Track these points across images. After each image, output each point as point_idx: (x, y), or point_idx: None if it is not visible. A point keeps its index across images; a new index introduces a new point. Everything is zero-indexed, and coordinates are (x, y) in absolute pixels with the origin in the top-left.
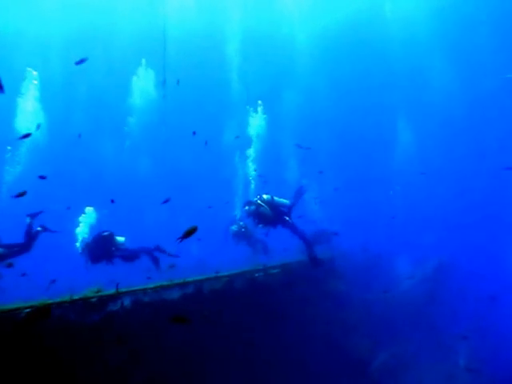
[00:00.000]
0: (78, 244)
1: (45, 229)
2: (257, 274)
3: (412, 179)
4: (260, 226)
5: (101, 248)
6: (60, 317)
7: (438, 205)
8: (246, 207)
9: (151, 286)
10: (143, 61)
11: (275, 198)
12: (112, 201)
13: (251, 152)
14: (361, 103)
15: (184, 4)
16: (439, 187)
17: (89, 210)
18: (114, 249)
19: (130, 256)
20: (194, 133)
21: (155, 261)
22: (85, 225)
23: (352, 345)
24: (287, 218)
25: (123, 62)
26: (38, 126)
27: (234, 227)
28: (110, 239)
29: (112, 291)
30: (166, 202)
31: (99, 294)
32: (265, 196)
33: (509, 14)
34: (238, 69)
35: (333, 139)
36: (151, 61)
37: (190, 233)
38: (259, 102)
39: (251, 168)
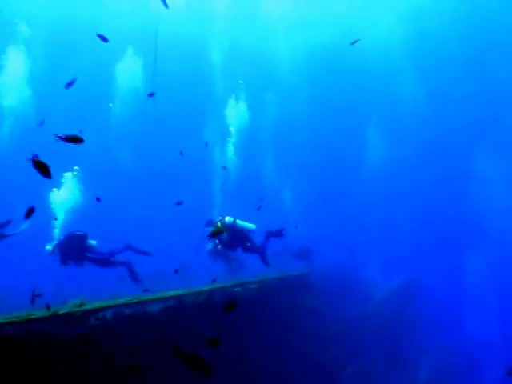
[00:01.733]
0: (48, 246)
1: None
2: (236, 289)
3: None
4: (219, 247)
5: (72, 248)
6: (41, 331)
7: (408, 218)
8: (207, 228)
9: (134, 300)
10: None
11: (238, 222)
12: (98, 199)
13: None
14: (336, 114)
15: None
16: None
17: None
18: (85, 251)
19: (100, 260)
20: (181, 152)
21: (133, 274)
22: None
23: (323, 357)
24: (248, 244)
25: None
26: (42, 122)
27: (210, 245)
28: (82, 239)
29: (95, 304)
30: (179, 203)
31: (83, 308)
32: (227, 218)
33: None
34: (221, 75)
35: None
36: (138, 48)
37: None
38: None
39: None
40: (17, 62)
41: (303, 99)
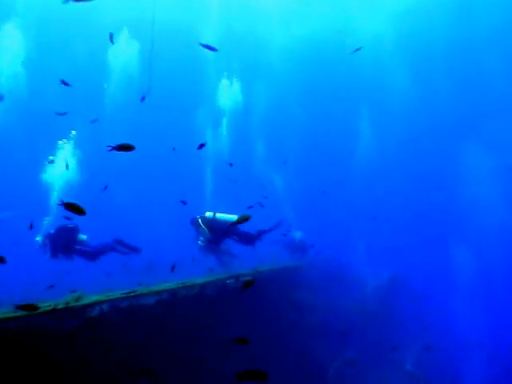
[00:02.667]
0: (38, 238)
1: None
2: (228, 281)
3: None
4: (199, 242)
5: (62, 240)
6: (40, 325)
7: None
8: (193, 226)
9: (131, 293)
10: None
11: (217, 216)
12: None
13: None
14: (326, 105)
15: None
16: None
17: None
18: (75, 244)
19: (89, 254)
20: (174, 148)
21: (128, 249)
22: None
23: (312, 349)
24: (234, 237)
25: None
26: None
27: (200, 240)
28: (73, 232)
29: (92, 298)
30: (183, 202)
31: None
32: (207, 214)
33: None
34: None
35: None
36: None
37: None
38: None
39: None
40: (11, 42)
41: (294, 89)
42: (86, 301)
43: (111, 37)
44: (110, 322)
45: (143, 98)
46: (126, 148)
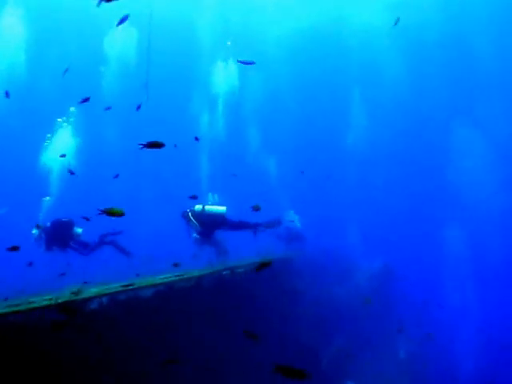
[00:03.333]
0: (34, 231)
1: None
2: (224, 273)
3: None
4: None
5: (58, 234)
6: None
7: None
8: (184, 219)
9: (129, 286)
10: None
11: (206, 209)
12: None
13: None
14: (320, 92)
15: None
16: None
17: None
18: (69, 239)
19: (84, 248)
20: (175, 145)
21: (121, 250)
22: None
23: (304, 338)
24: (224, 228)
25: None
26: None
27: (195, 233)
28: (68, 226)
29: (92, 291)
30: (192, 197)
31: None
32: (196, 207)
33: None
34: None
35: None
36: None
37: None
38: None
39: None
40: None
41: (289, 77)
42: (85, 294)
43: (123, 20)
44: (109, 314)
45: (139, 107)
46: (156, 145)
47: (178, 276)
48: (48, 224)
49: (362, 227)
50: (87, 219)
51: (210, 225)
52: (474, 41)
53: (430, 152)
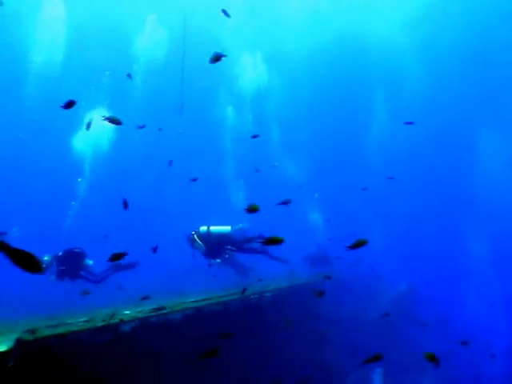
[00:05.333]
0: (46, 257)
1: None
2: (252, 297)
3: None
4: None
5: (69, 264)
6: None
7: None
8: (188, 241)
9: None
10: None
11: (212, 230)
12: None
13: None
14: (342, 94)
15: None
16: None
17: None
18: (81, 269)
19: (94, 280)
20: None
21: (126, 267)
22: None
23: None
24: (230, 247)
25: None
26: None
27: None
28: (79, 257)
29: (126, 315)
30: (194, 180)
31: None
32: (201, 228)
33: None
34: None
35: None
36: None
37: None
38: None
39: None
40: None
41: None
42: (119, 317)
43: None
44: (140, 336)
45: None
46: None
47: (206, 300)
48: (60, 253)
49: (387, 243)
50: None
51: (215, 245)
52: (497, 37)
53: (454, 159)
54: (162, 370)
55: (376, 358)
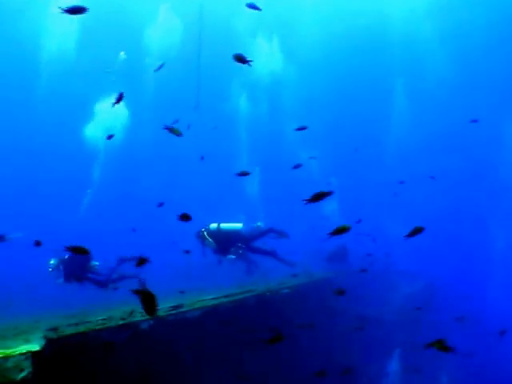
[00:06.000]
0: (52, 261)
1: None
2: (268, 293)
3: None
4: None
5: (75, 267)
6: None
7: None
8: (197, 238)
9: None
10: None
11: (222, 227)
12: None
13: None
14: (361, 81)
15: None
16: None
17: None
18: (87, 271)
19: (101, 282)
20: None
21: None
22: None
23: (350, 360)
24: (240, 244)
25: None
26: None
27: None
28: (85, 259)
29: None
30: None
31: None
32: (211, 226)
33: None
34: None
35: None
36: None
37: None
38: None
39: None
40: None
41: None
42: (137, 316)
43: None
44: (157, 334)
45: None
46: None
47: (223, 297)
48: (66, 256)
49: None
50: None
51: (226, 242)
52: None
53: (479, 151)
54: (181, 368)
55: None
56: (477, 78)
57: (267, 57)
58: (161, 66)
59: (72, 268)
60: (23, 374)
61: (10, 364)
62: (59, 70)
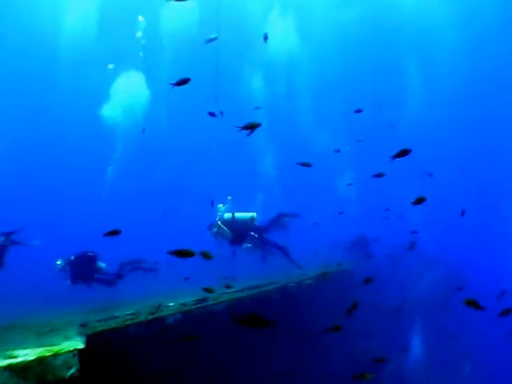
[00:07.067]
0: (59, 262)
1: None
2: (291, 285)
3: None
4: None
5: (82, 268)
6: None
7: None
8: (210, 230)
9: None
10: None
11: (236, 216)
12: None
13: None
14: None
15: None
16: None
17: None
18: (94, 272)
19: (108, 282)
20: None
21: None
22: None
23: (368, 351)
24: (253, 233)
25: None
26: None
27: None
28: (92, 260)
29: (171, 307)
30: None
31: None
32: (226, 215)
33: None
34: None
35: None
36: None
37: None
38: None
39: None
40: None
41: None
42: (164, 310)
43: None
44: (184, 327)
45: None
46: (252, 127)
47: (247, 290)
48: (72, 257)
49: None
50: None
51: (241, 230)
52: None
53: (495, 137)
54: (207, 361)
55: None
56: (489, 60)
57: (282, 36)
58: (213, 39)
59: (78, 269)
60: (71, 371)
61: (58, 362)
62: (77, 54)
